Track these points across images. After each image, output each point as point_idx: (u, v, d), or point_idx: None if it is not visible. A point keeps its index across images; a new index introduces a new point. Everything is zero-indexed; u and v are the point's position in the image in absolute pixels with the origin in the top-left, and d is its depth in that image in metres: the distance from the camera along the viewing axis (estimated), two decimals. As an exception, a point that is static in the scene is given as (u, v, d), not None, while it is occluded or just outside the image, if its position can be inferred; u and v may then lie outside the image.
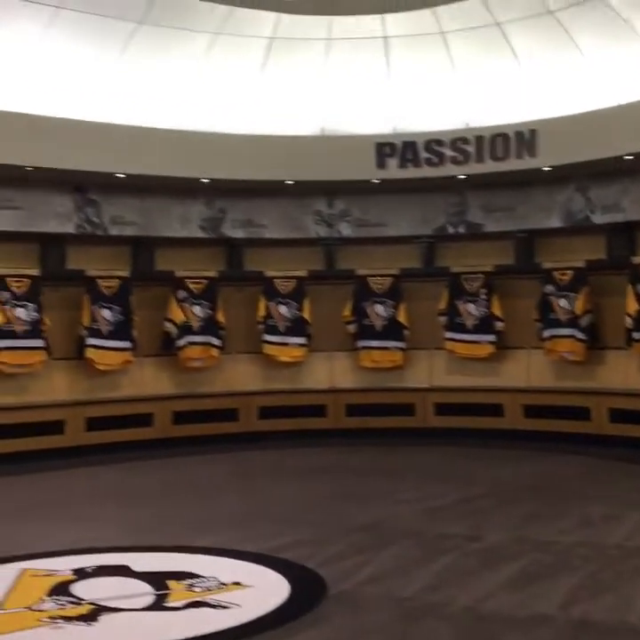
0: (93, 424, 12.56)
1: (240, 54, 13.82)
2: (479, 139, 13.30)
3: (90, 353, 12.71)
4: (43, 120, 11.93)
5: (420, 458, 12.29)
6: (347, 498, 9.50)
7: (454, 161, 13.41)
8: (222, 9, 13.37)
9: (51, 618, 5.66)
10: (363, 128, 13.98)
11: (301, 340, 14.12)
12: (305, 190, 14.10)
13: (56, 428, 12.24)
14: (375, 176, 13.75)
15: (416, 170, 13.59)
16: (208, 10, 13.26)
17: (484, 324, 13.83)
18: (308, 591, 6.26)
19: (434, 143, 13.46)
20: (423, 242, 14.60)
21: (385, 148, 13.60)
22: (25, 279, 12.21)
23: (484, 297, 13.85)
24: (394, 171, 13.64)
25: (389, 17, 13.94)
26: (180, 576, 6.52)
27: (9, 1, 11.91)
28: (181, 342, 13.46)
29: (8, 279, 12.10)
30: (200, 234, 14.12)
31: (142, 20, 12.93)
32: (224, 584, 6.35)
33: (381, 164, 13.61)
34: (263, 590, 6.31)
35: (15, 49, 12.27)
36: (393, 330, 14.16)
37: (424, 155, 13.54)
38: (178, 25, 13.22)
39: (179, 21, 13.21)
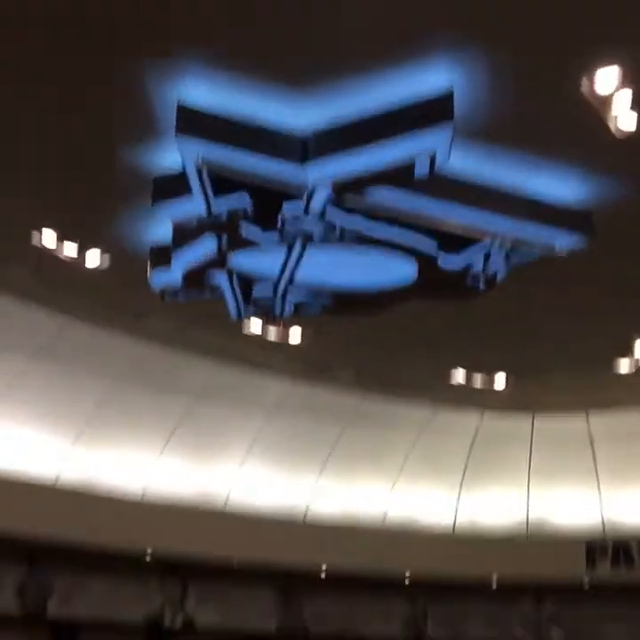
0: None
1: (443, 450, 14.54)
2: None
3: None
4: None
5: None
6: None
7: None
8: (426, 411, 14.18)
9: None
10: (569, 525, 14.10)
11: None
12: (509, 590, 14.11)
13: None
14: (585, 578, 13.63)
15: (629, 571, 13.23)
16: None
17: None
18: None
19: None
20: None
21: (596, 549, 13.41)
22: None
23: None
24: (605, 572, 13.43)
25: (593, 415, 13.97)
26: None
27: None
28: None
29: None
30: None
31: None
32: None
33: (591, 565, 13.43)
34: None
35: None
36: None
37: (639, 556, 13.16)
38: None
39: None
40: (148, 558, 12.65)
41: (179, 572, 13.33)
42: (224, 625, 13.61)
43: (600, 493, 14.21)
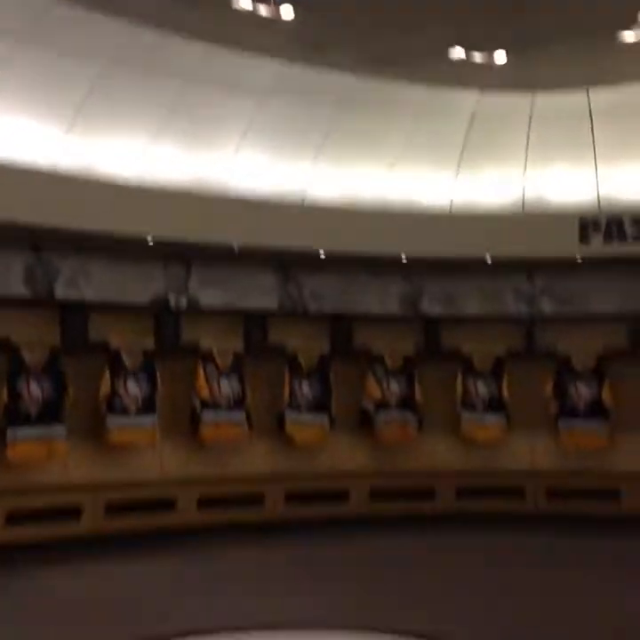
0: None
1: (441, 131, 14.24)
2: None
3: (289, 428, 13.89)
4: None
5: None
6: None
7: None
8: (423, 92, 13.66)
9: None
10: (565, 202, 14.09)
11: (499, 419, 14.35)
12: (504, 266, 14.32)
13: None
14: (578, 252, 13.67)
15: (621, 245, 13.38)
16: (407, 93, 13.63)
17: None
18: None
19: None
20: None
21: (589, 224, 13.49)
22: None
23: None
24: (598, 247, 13.51)
25: (594, 91, 13.59)
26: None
27: None
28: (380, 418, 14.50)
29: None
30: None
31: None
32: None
33: (585, 240, 13.48)
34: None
35: None
36: (597, 410, 13.85)
37: (631, 230, 13.28)
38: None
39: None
40: (150, 243, 12.94)
41: (181, 256, 13.72)
42: (227, 304, 14.21)
43: (596, 170, 14.26)
